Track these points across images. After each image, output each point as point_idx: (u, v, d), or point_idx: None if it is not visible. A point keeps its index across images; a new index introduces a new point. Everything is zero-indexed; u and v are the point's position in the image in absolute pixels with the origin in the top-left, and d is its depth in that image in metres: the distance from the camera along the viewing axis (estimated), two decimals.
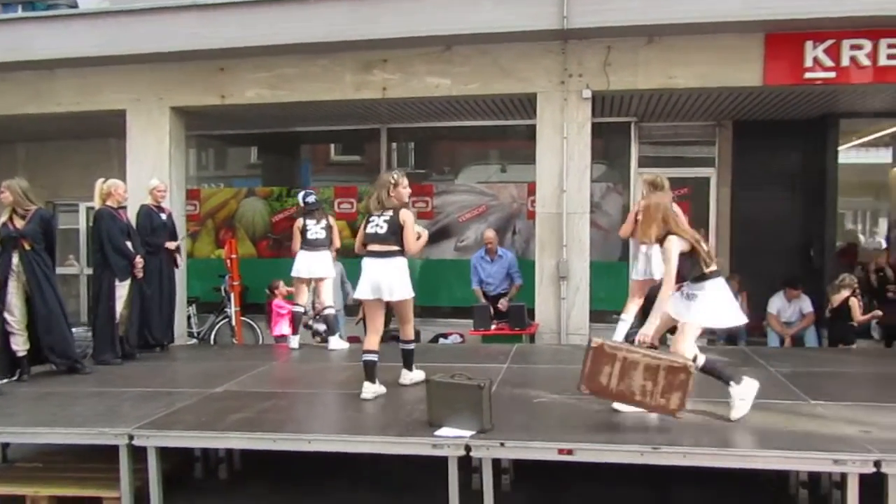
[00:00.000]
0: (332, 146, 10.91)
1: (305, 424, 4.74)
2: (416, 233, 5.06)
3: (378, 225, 5.00)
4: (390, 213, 5.00)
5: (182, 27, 7.72)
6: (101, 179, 6.64)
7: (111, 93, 8.31)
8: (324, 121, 9.55)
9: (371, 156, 10.17)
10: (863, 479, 3.73)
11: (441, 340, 8.28)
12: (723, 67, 7.14)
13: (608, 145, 9.33)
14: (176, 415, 4.75)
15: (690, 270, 4.44)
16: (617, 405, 4.47)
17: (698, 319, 4.45)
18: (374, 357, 5.01)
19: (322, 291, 7.01)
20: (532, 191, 8.33)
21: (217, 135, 10.49)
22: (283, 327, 7.71)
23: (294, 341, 7.16)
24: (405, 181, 5.13)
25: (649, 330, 4.53)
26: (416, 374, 5.30)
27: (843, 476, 3.82)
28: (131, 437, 4.34)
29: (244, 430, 4.46)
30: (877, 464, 3.70)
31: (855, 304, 7.41)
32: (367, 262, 5.02)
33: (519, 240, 9.26)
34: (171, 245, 7.21)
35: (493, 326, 7.69)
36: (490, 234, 8.30)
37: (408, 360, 5.35)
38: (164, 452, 4.42)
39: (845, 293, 7.47)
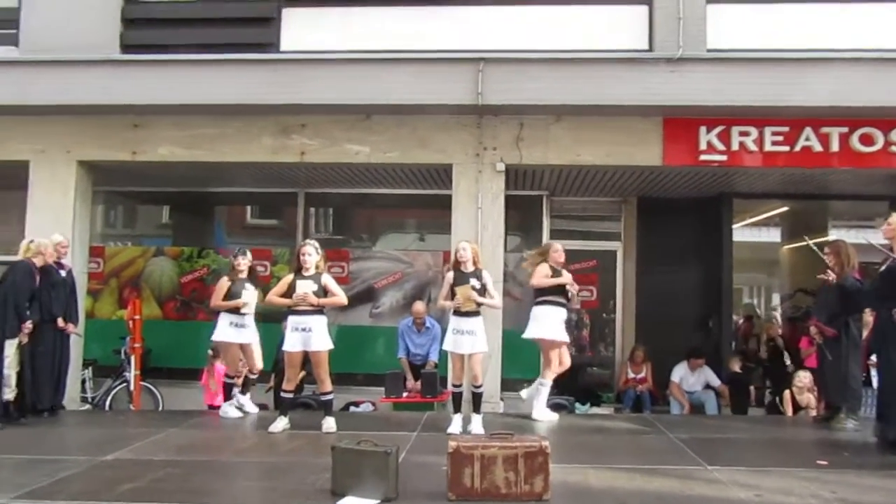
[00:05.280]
0: (249, 209, 10.78)
1: (202, 496, 4.48)
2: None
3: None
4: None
5: (94, 81, 7.61)
6: (28, 240, 6.74)
7: (16, 143, 8.03)
8: (240, 182, 9.47)
9: (288, 220, 10.06)
10: None
11: (352, 408, 8.10)
12: (626, 147, 7.61)
13: (521, 218, 9.61)
14: (59, 484, 4.42)
15: None
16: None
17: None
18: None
19: (251, 355, 6.85)
20: (447, 259, 8.45)
21: (127, 191, 10.18)
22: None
23: (233, 410, 6.86)
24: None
25: None
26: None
27: None
28: None
29: (134, 501, 4.18)
30: None
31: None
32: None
33: (434, 307, 9.30)
34: (69, 329, 6.96)
35: (405, 394, 7.61)
36: (420, 307, 8.25)
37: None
38: None
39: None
